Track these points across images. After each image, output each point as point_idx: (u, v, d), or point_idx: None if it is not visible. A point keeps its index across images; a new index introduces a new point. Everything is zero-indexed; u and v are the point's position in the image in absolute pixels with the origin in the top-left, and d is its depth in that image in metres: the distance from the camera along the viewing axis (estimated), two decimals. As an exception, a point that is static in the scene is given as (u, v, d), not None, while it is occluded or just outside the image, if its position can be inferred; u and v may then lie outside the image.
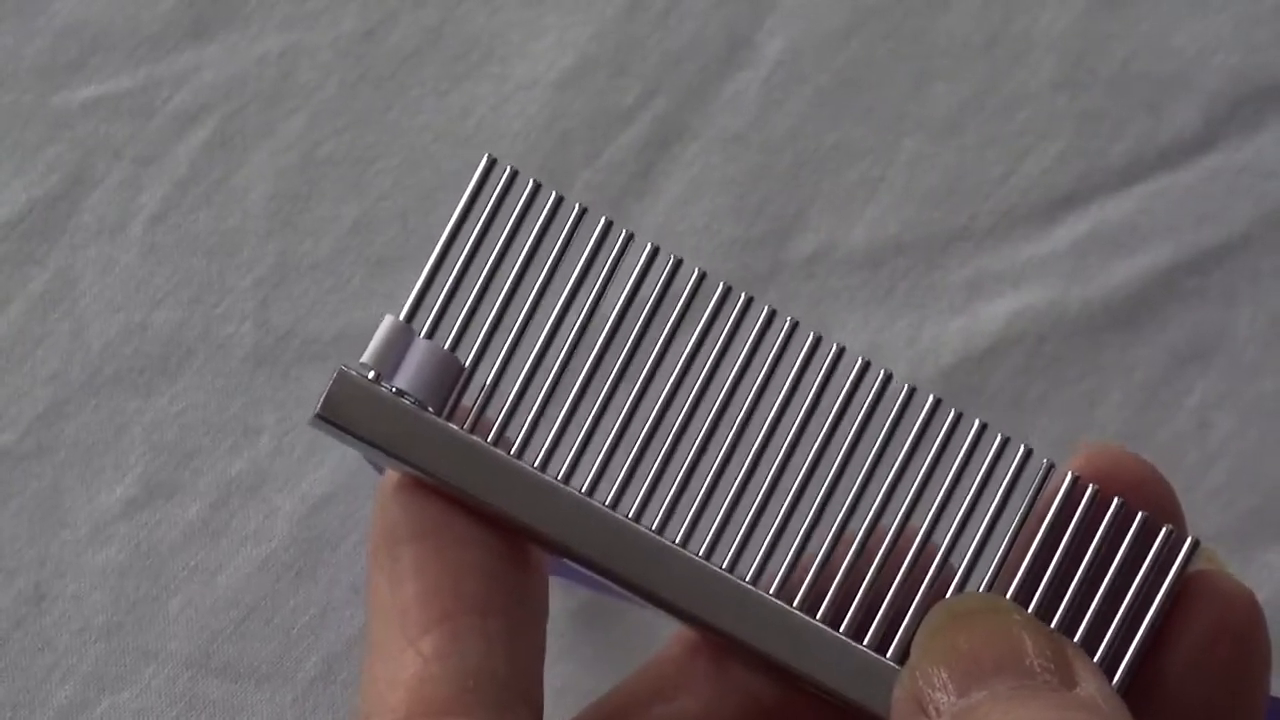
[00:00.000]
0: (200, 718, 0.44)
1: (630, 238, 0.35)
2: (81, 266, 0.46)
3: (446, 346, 0.35)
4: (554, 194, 0.35)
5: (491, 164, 0.35)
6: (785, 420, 0.35)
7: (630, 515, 0.35)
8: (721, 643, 0.35)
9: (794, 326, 0.35)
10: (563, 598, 0.42)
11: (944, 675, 0.32)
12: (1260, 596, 0.35)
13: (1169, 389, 0.46)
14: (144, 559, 0.44)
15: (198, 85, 0.47)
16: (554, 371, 0.35)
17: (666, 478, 0.35)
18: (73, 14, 0.47)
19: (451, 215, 0.35)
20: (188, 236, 0.46)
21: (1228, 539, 0.45)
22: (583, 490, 0.35)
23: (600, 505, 0.35)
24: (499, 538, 0.35)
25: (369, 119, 0.47)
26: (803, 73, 0.47)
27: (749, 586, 0.35)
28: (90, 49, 0.47)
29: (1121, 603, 0.35)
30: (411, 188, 0.46)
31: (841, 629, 0.35)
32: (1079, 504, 0.35)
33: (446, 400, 0.35)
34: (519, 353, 0.35)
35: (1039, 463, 0.35)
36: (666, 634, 0.37)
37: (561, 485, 0.35)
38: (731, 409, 0.35)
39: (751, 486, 0.35)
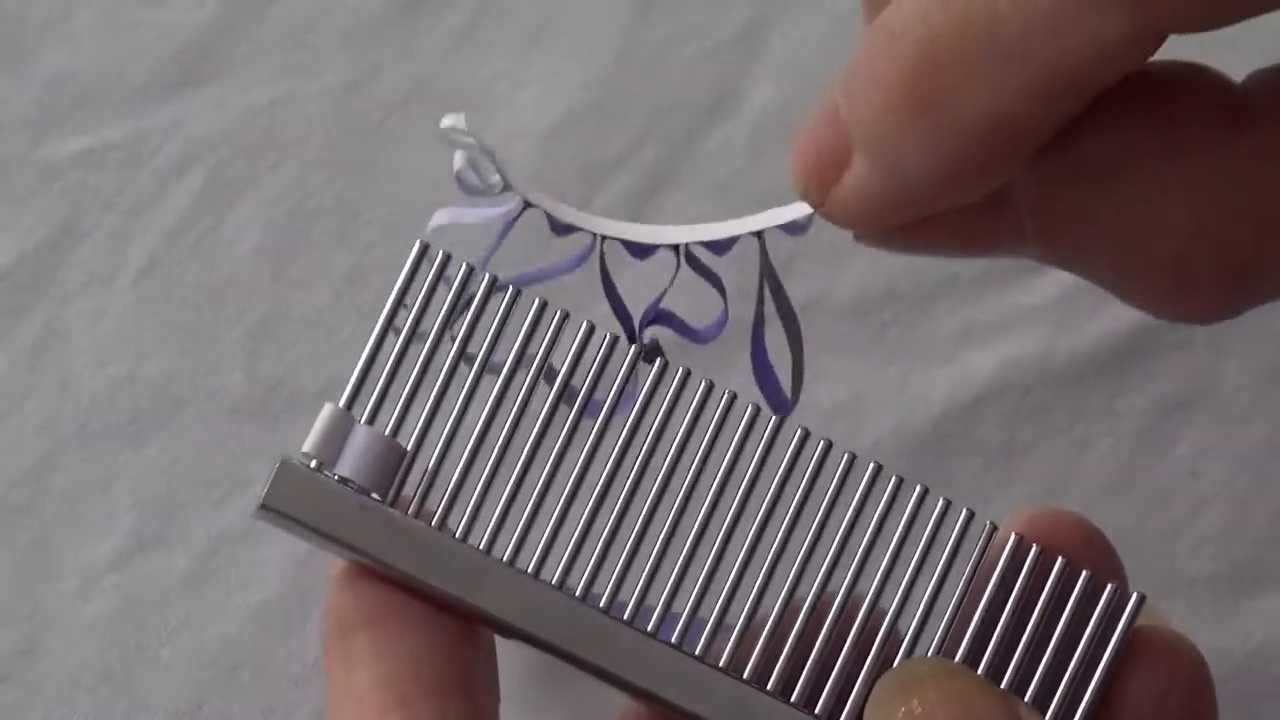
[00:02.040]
0: (189, 769, 0.44)
1: (566, 315, 0.35)
2: (70, 318, 0.46)
3: (388, 431, 0.35)
4: (488, 276, 0.35)
5: (424, 249, 0.35)
6: (728, 493, 0.35)
7: (577, 594, 0.35)
8: (672, 717, 0.35)
9: (733, 399, 0.35)
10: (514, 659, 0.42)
11: None
12: (1250, 643, 0.35)
13: (1157, 437, 0.46)
14: (134, 610, 0.44)
15: (185, 137, 0.47)
16: (496, 452, 0.35)
17: (611, 554, 0.35)
18: (60, 65, 0.47)
19: (386, 301, 0.35)
20: (176, 288, 0.46)
21: (1217, 586, 0.45)
22: (528, 570, 0.35)
23: (547, 584, 0.35)
24: (450, 619, 0.35)
25: (357, 170, 0.47)
26: (790, 122, 0.47)
27: (697, 660, 0.35)
28: (78, 100, 0.47)
29: (1070, 661, 0.35)
30: (400, 238, 0.46)
31: (792, 699, 0.35)
32: (1023, 565, 0.36)
33: (390, 485, 0.35)
34: (460, 434, 0.35)
35: (982, 525, 0.35)
36: (621, 700, 0.37)
37: (507, 566, 0.35)
38: (674, 483, 0.35)
39: (696, 561, 0.35)
